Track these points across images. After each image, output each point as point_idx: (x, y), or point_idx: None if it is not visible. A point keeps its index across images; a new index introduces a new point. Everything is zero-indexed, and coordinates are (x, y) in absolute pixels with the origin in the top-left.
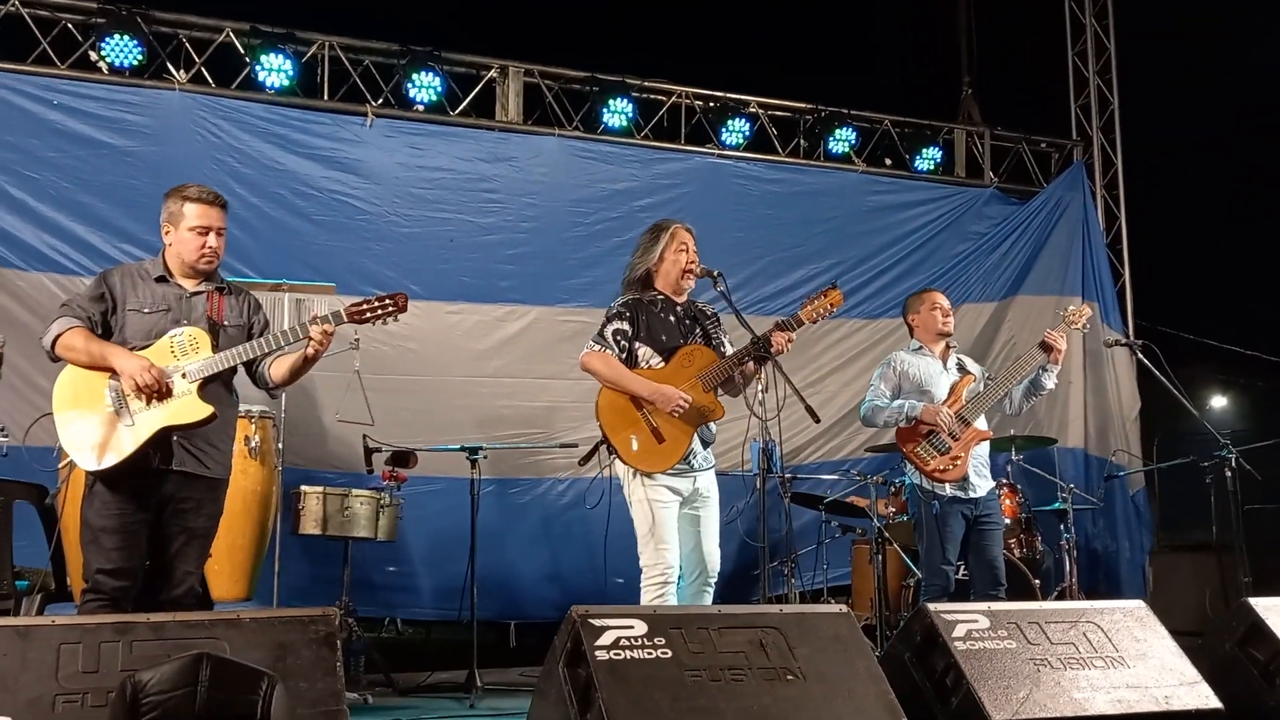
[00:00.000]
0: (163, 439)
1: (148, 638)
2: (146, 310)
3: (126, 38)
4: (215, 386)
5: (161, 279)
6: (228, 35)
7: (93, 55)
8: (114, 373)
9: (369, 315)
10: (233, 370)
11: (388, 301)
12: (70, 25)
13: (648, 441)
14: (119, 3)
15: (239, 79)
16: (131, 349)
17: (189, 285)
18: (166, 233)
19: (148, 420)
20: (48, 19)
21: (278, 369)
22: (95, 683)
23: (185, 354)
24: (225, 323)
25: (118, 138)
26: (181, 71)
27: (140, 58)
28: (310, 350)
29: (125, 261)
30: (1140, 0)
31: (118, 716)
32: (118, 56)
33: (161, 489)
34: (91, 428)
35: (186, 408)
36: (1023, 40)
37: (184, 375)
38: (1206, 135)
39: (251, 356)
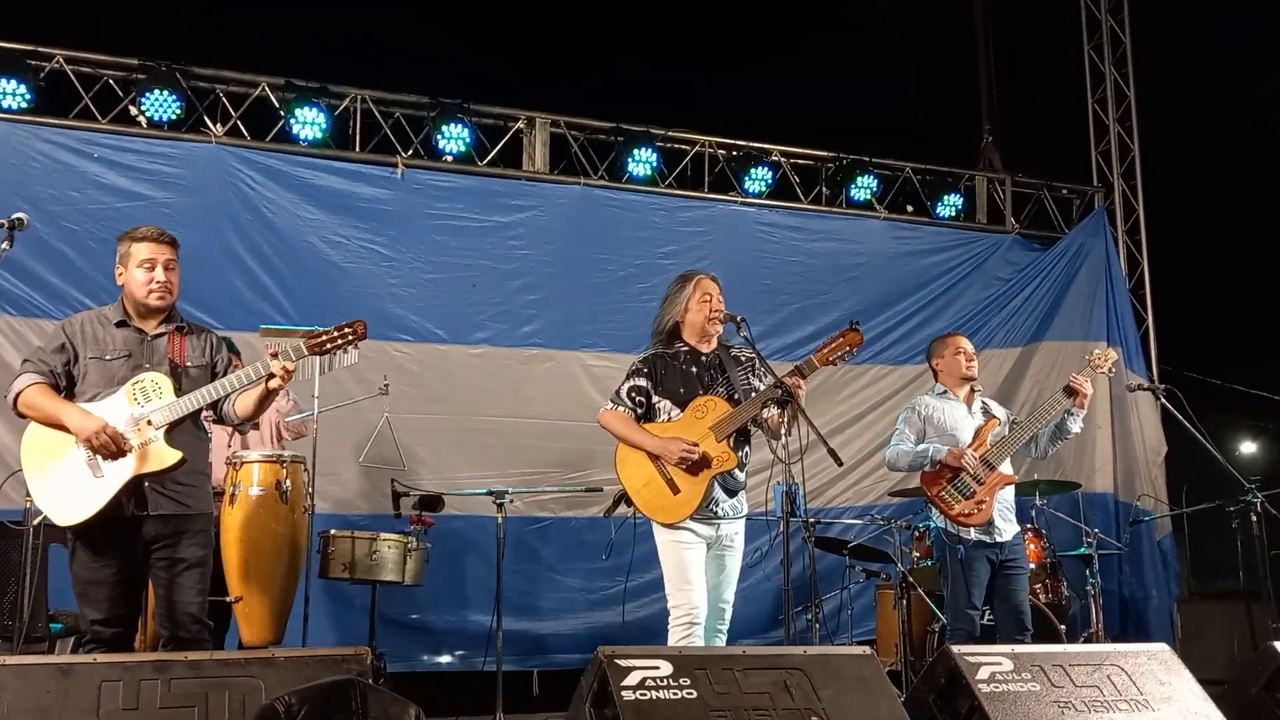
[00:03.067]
0: (134, 486)
1: (186, 675)
2: (108, 357)
3: (165, 93)
4: (183, 427)
5: (122, 323)
6: (263, 90)
7: (133, 110)
8: None
9: (329, 345)
10: (198, 411)
11: (346, 330)
12: (112, 81)
13: (663, 493)
14: (159, 59)
15: (274, 132)
16: (94, 396)
17: (149, 327)
18: (119, 275)
19: (117, 470)
20: (90, 75)
21: (243, 404)
22: (135, 719)
23: (149, 399)
24: (188, 363)
25: (155, 189)
26: (218, 125)
27: (178, 112)
28: (274, 384)
29: None
30: (1159, 49)
31: None
32: (157, 111)
33: (141, 533)
34: (61, 481)
35: (155, 455)
36: (1043, 88)
37: (149, 422)
38: (1227, 180)
39: (215, 398)
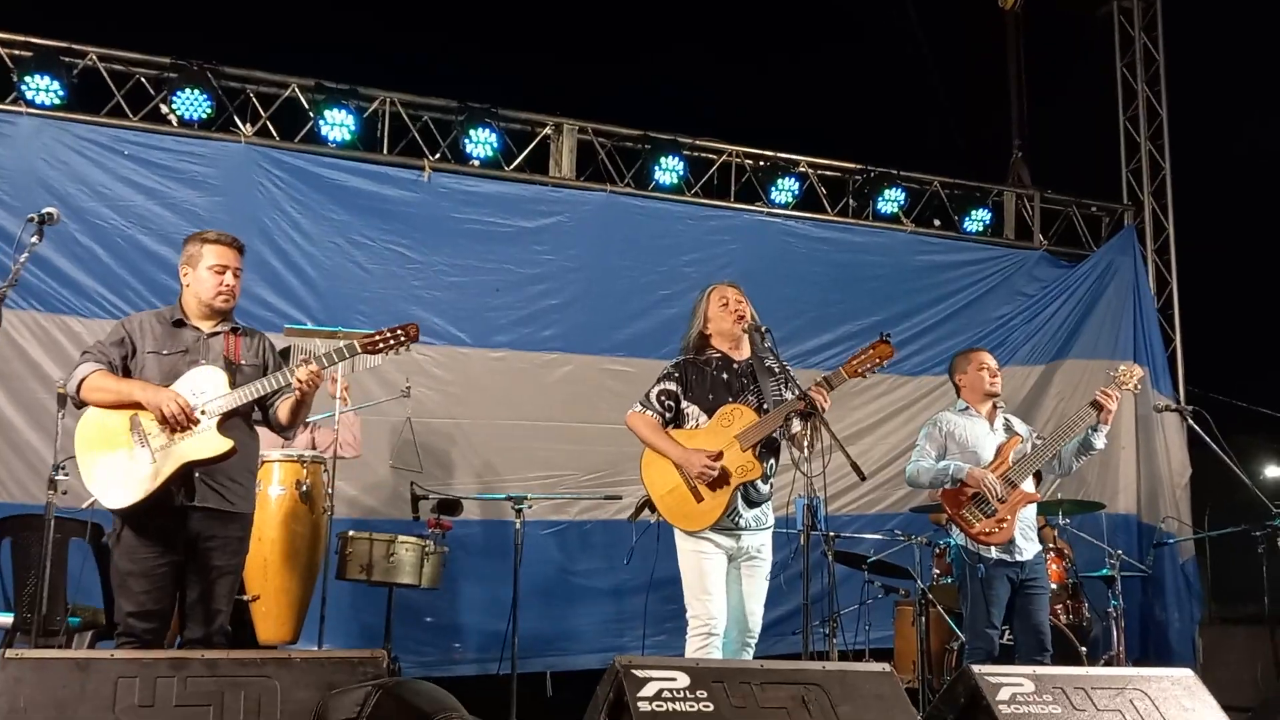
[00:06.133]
0: (185, 475)
1: (202, 674)
2: (165, 352)
3: (196, 91)
4: (235, 422)
5: (179, 323)
6: (293, 91)
7: (164, 108)
8: (136, 411)
9: (381, 346)
10: (251, 407)
11: (399, 332)
12: (143, 79)
13: (686, 500)
14: (190, 58)
15: (302, 133)
16: None
17: (206, 327)
18: (185, 274)
19: (170, 456)
20: (122, 73)
21: (282, 411)
22: (151, 716)
23: (204, 392)
24: (242, 362)
25: (184, 188)
26: (248, 125)
27: (209, 111)
28: (298, 392)
29: None
30: (1192, 67)
31: None
32: (187, 109)
33: (187, 527)
34: (115, 466)
35: (207, 443)
36: (1074, 104)
37: (204, 412)
38: (1259, 200)
39: (268, 390)
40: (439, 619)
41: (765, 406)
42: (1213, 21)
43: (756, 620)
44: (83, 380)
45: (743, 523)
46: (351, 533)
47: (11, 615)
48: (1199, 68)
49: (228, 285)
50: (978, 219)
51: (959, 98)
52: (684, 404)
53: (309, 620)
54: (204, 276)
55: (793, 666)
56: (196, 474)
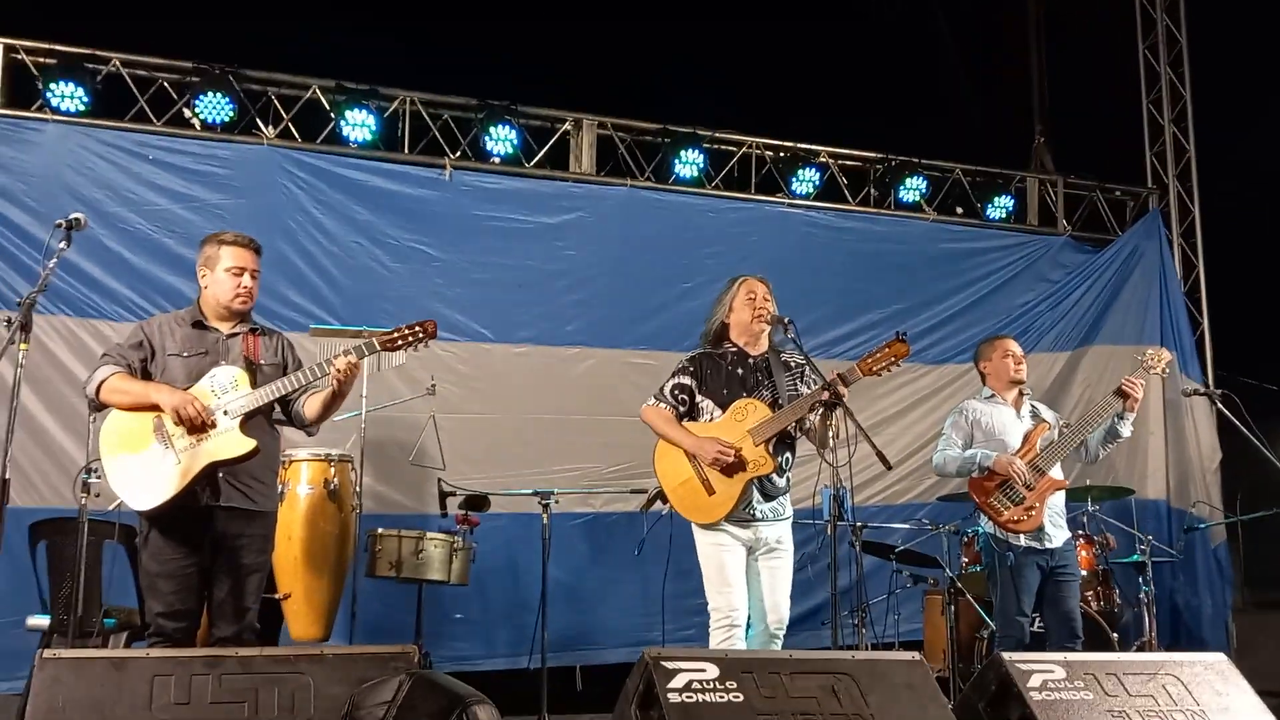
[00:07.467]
0: (209, 475)
1: (236, 671)
2: (186, 354)
3: (219, 95)
4: (257, 421)
5: (198, 324)
6: (314, 92)
7: (187, 112)
8: (158, 413)
9: (400, 343)
10: (272, 406)
11: (418, 329)
12: (166, 84)
13: (698, 493)
14: (212, 62)
15: (324, 134)
16: None
17: (225, 328)
18: (203, 276)
19: (193, 457)
20: (145, 78)
21: (311, 406)
22: (187, 714)
23: (225, 393)
24: (262, 361)
25: (208, 190)
26: (270, 127)
27: (231, 114)
28: (335, 385)
29: None
30: (1216, 48)
31: None
32: (210, 113)
33: (212, 527)
34: (139, 468)
35: (230, 443)
36: (1096, 88)
37: (226, 412)
38: None
39: (290, 389)
40: (468, 614)
41: (780, 402)
42: (1234, 1)
43: (784, 611)
44: (101, 383)
45: (759, 515)
46: (380, 530)
47: (48, 618)
48: (1222, 48)
49: (245, 287)
50: (1000, 206)
51: (980, 84)
52: (698, 398)
53: (340, 618)
54: (221, 278)
55: (822, 656)
56: (220, 474)
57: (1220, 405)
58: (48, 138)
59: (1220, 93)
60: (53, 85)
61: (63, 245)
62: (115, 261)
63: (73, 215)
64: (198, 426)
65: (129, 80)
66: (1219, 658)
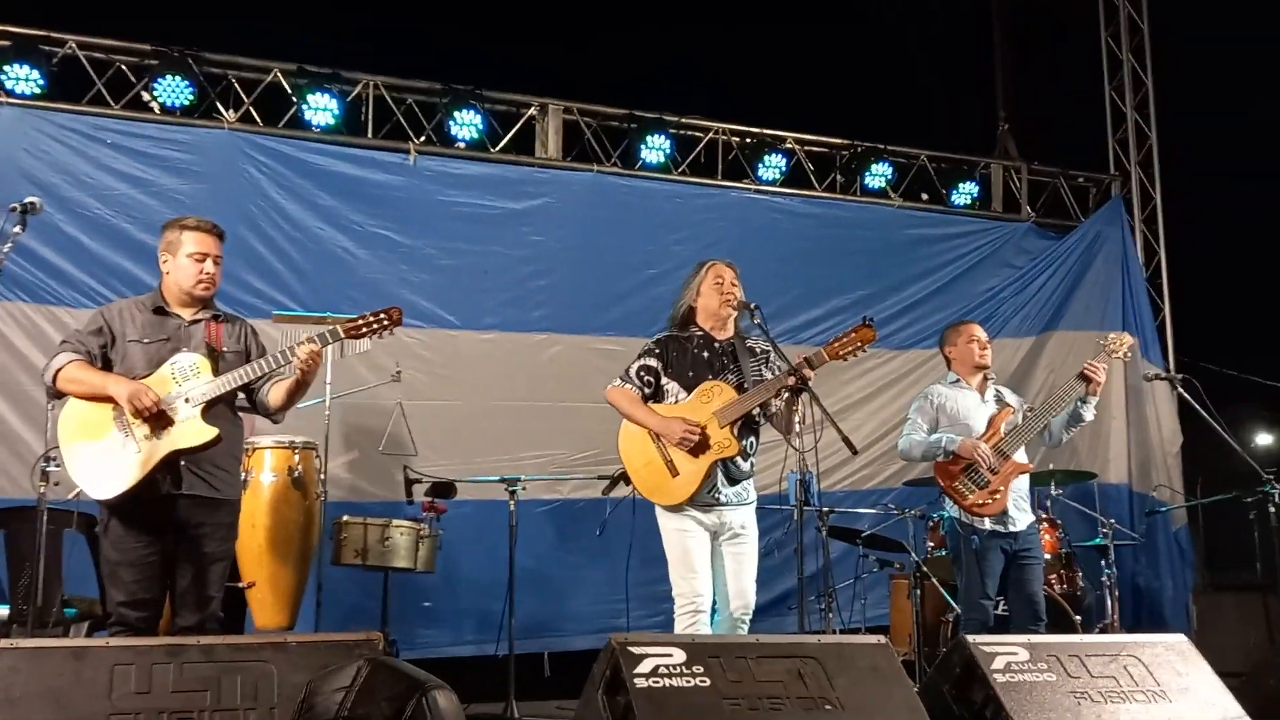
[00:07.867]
0: (170, 464)
1: (198, 660)
2: (147, 340)
3: (178, 78)
4: (219, 409)
5: (159, 310)
6: (275, 76)
7: (145, 96)
8: (115, 402)
9: (365, 330)
10: (235, 394)
11: (382, 315)
12: (124, 67)
13: (662, 474)
14: (171, 45)
15: (286, 118)
16: (135, 378)
17: (187, 314)
18: (164, 262)
19: (154, 446)
20: (103, 61)
21: (275, 393)
22: (147, 704)
23: (187, 379)
24: (224, 349)
25: (168, 175)
26: (230, 111)
27: (191, 98)
28: (299, 373)
29: None
30: (1177, 36)
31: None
32: (169, 97)
33: (174, 515)
34: (100, 456)
35: (191, 431)
36: (1059, 76)
37: (187, 400)
38: (1246, 169)
39: (252, 377)
40: (435, 602)
41: (745, 386)
42: None
43: (749, 597)
44: (58, 371)
45: (723, 498)
46: (345, 518)
47: (7, 608)
48: (1183, 36)
49: (208, 273)
50: (965, 192)
51: (944, 70)
52: (664, 380)
53: (305, 606)
54: (184, 264)
55: (789, 640)
56: (182, 462)
57: (1181, 390)
58: (2, 121)
59: (1181, 80)
60: (6, 68)
61: (17, 230)
62: (73, 247)
63: (28, 199)
64: (155, 416)
65: (85, 63)
66: (1179, 639)
